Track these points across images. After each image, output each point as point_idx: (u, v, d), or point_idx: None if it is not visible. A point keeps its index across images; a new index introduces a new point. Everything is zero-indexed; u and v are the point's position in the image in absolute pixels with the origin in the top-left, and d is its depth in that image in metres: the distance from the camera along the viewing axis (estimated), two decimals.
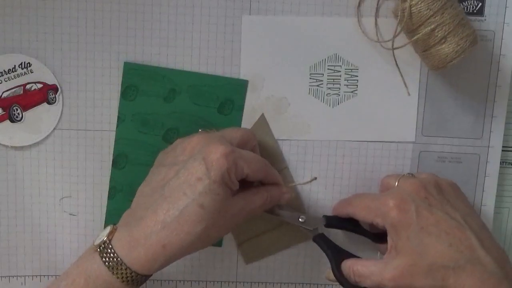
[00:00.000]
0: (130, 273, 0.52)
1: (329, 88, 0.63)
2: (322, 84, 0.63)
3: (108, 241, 0.53)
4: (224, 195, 0.52)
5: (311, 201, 0.65)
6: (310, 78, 0.63)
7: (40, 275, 0.65)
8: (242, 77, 0.62)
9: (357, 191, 0.64)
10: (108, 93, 0.62)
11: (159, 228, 0.51)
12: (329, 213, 0.64)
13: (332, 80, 0.63)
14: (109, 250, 0.52)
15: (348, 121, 0.63)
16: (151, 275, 0.54)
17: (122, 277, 0.52)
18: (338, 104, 0.63)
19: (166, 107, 0.63)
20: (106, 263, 0.52)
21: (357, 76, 0.63)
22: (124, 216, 0.56)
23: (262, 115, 0.63)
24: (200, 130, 0.61)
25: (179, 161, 0.55)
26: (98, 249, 0.53)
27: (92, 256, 0.53)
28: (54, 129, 0.63)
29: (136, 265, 0.52)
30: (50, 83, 0.62)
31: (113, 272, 0.52)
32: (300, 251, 0.66)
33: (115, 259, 0.52)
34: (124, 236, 0.53)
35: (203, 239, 0.53)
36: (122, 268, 0.52)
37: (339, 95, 0.63)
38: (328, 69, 0.62)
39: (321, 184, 0.64)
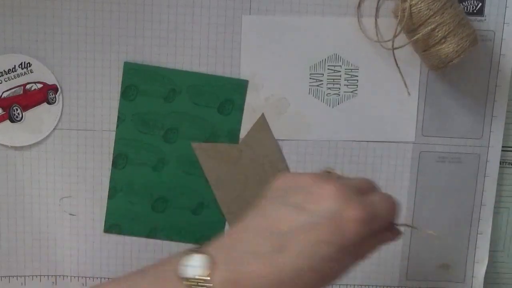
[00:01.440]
0: None
1: (329, 88, 0.63)
2: (322, 84, 0.63)
3: (207, 279, 0.44)
4: (344, 264, 0.46)
5: None
6: (310, 78, 0.63)
7: (40, 275, 0.65)
8: (242, 77, 0.62)
9: None
10: (108, 93, 0.62)
11: (266, 284, 0.43)
12: None
13: (332, 80, 0.63)
14: None
15: (348, 121, 0.63)
16: None
17: None
18: (338, 104, 0.63)
19: (166, 107, 0.63)
20: None
21: (357, 76, 0.63)
22: (222, 244, 0.46)
23: (262, 115, 0.63)
24: (326, 169, 0.53)
25: (306, 208, 0.46)
26: (187, 282, 0.44)
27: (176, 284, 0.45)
28: (54, 129, 0.63)
29: None
30: (50, 83, 0.62)
31: None
32: None
33: None
34: (228, 278, 0.44)
35: None
36: None
37: (339, 95, 0.63)
38: (328, 69, 0.62)
39: None
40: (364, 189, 0.49)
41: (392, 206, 0.48)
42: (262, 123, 0.63)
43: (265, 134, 0.63)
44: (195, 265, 0.44)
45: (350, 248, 0.45)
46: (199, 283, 0.43)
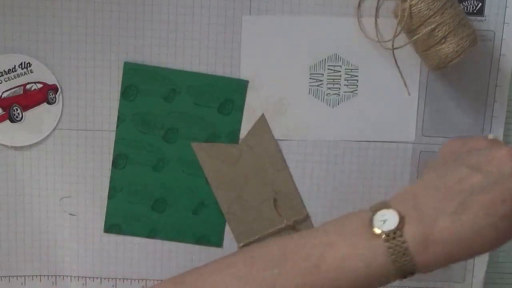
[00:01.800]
0: (412, 268, 0.47)
1: (329, 88, 0.63)
2: (322, 84, 0.63)
3: (400, 233, 0.46)
4: None
5: (311, 201, 0.65)
6: (310, 78, 0.63)
7: (40, 275, 0.65)
8: (242, 77, 0.62)
9: (357, 191, 0.64)
10: (108, 93, 0.62)
11: (453, 240, 0.46)
12: (327, 211, 0.64)
13: (332, 80, 0.63)
14: (398, 243, 0.46)
15: (348, 121, 0.63)
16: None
17: (400, 270, 0.47)
18: (338, 104, 0.63)
19: (166, 107, 0.63)
20: (392, 256, 0.46)
21: (357, 76, 0.63)
22: (406, 200, 0.49)
23: (262, 115, 0.63)
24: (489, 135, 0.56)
25: (483, 170, 0.48)
26: (385, 236, 0.46)
27: (372, 241, 0.47)
28: (54, 129, 0.63)
29: (421, 263, 0.47)
30: (50, 83, 0.62)
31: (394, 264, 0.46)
32: None
33: (402, 254, 0.46)
34: (418, 233, 0.46)
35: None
36: (406, 261, 0.47)
37: (339, 95, 0.63)
38: (328, 69, 0.62)
39: (321, 184, 0.64)
40: None
41: None
42: (262, 123, 0.63)
43: (265, 134, 0.63)
44: (387, 219, 0.47)
45: None
46: (394, 237, 0.46)
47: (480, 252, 0.47)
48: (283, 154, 0.64)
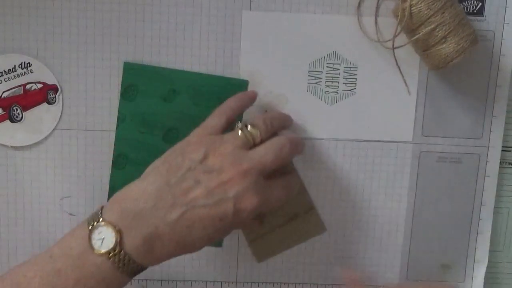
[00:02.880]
0: (140, 269, 0.52)
1: (328, 86, 0.63)
2: (320, 81, 0.63)
3: (120, 248, 0.50)
4: (234, 229, 0.54)
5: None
6: (309, 76, 0.63)
7: None
8: (241, 74, 0.62)
9: (355, 191, 0.64)
10: (108, 93, 0.62)
11: (173, 244, 0.51)
12: (326, 211, 0.64)
13: (331, 78, 0.63)
14: (121, 257, 0.50)
15: (346, 119, 0.63)
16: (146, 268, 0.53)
17: (130, 273, 0.51)
18: (336, 102, 0.63)
19: (166, 107, 0.63)
20: (119, 267, 0.50)
21: (356, 75, 0.63)
22: (125, 207, 0.51)
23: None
24: (238, 126, 0.56)
25: (208, 187, 0.52)
26: (107, 254, 0.50)
27: (97, 260, 0.50)
28: (54, 129, 0.63)
29: (148, 263, 0.52)
30: (50, 83, 0.62)
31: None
32: (301, 251, 0.66)
33: (128, 263, 0.51)
34: (139, 244, 0.50)
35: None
36: (133, 267, 0.51)
37: (338, 93, 0.63)
38: (327, 66, 0.62)
39: (318, 183, 0.64)
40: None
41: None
42: None
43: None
44: (105, 237, 0.50)
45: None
46: (115, 253, 0.50)
47: (193, 251, 0.53)
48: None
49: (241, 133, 0.54)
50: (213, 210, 0.51)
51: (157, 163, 0.54)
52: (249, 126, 0.55)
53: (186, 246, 0.52)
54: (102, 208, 0.52)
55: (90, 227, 0.50)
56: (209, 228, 0.51)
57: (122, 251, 0.50)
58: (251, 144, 0.54)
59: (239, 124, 0.55)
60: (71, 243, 0.51)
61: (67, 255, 0.50)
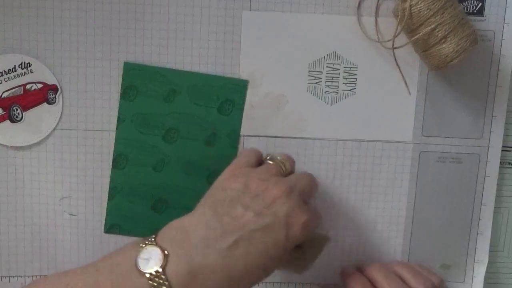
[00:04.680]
0: None
1: (328, 86, 0.63)
2: (320, 81, 0.63)
3: (162, 272, 0.48)
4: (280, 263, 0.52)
5: None
6: (308, 76, 0.63)
7: (40, 275, 0.65)
8: (241, 74, 0.62)
9: (355, 191, 0.64)
10: (108, 93, 0.62)
11: (223, 275, 0.49)
12: (325, 211, 0.64)
13: (331, 78, 0.63)
14: (161, 282, 0.48)
15: (346, 119, 0.63)
16: None
17: None
18: (336, 102, 0.63)
19: (166, 107, 0.63)
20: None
21: (356, 75, 0.63)
22: (175, 234, 0.51)
23: None
24: (267, 159, 0.58)
25: (257, 211, 0.51)
26: (149, 275, 0.48)
27: (138, 280, 0.49)
28: (54, 129, 0.63)
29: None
30: (50, 83, 0.62)
31: None
32: None
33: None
34: (182, 270, 0.49)
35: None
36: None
37: (337, 93, 0.63)
38: (327, 66, 0.62)
39: (320, 184, 0.64)
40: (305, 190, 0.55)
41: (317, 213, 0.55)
42: None
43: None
44: (151, 257, 0.49)
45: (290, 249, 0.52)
46: (156, 276, 0.48)
47: (246, 287, 0.51)
48: (279, 151, 0.64)
49: (273, 163, 0.56)
50: (266, 233, 0.50)
51: (201, 201, 0.55)
52: (278, 157, 0.57)
53: (236, 283, 0.50)
54: (156, 232, 0.52)
55: (141, 247, 0.50)
56: (263, 256, 0.50)
57: (164, 276, 0.48)
58: (284, 173, 0.56)
59: (269, 156, 0.58)
60: (119, 260, 0.50)
61: (113, 271, 0.49)
